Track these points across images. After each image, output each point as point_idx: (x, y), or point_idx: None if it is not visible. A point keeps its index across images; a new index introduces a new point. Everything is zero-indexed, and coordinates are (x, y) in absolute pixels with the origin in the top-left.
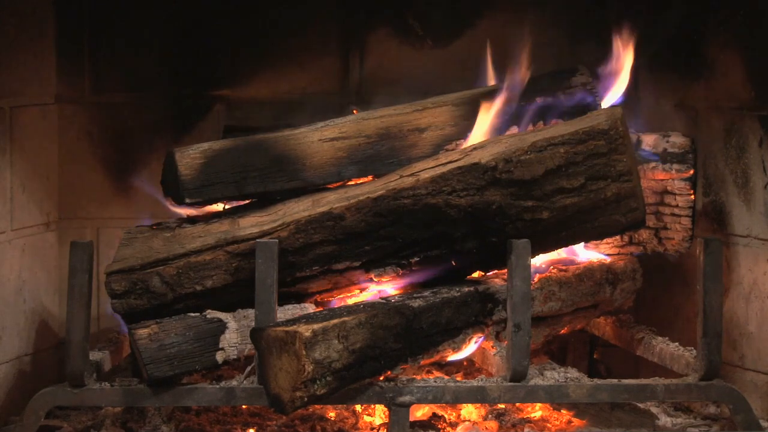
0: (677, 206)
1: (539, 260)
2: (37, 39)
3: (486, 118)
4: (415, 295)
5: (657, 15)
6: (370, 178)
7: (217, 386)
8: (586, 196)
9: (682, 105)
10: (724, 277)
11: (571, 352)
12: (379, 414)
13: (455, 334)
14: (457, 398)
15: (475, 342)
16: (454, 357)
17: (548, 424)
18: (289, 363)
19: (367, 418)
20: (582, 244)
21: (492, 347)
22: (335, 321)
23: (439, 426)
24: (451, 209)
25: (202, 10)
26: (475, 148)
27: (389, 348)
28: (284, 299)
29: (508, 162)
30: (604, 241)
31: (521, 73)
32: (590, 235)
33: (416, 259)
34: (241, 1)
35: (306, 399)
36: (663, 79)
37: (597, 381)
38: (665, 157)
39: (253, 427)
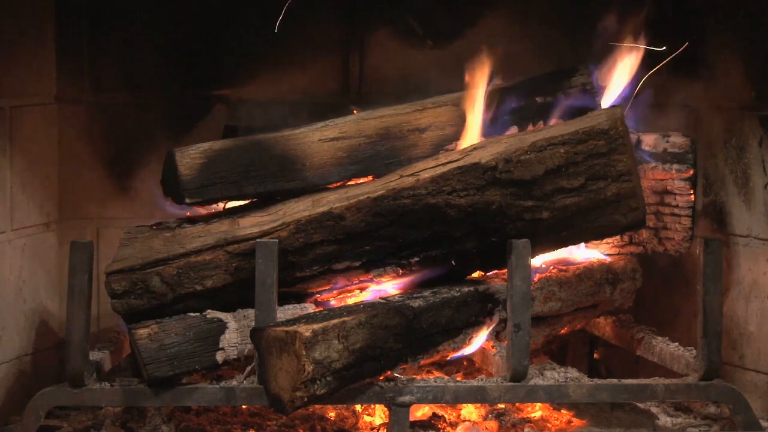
0: (677, 206)
1: (539, 260)
2: (37, 39)
3: (474, 118)
4: (415, 295)
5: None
6: (370, 178)
7: (217, 386)
8: (586, 196)
9: (682, 105)
10: (724, 277)
11: (571, 352)
12: (379, 414)
13: (455, 334)
14: (457, 398)
15: (477, 341)
16: (458, 354)
17: (548, 424)
18: (289, 363)
19: (367, 418)
20: (582, 244)
21: (492, 347)
22: (335, 321)
23: (439, 426)
24: (451, 209)
25: (202, 10)
26: (475, 147)
27: (389, 348)
28: (284, 299)
29: (508, 162)
30: (604, 241)
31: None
32: (590, 235)
33: (416, 259)
34: (242, 1)
35: (306, 399)
36: (663, 79)
37: (597, 381)
38: (665, 157)
39: (253, 427)
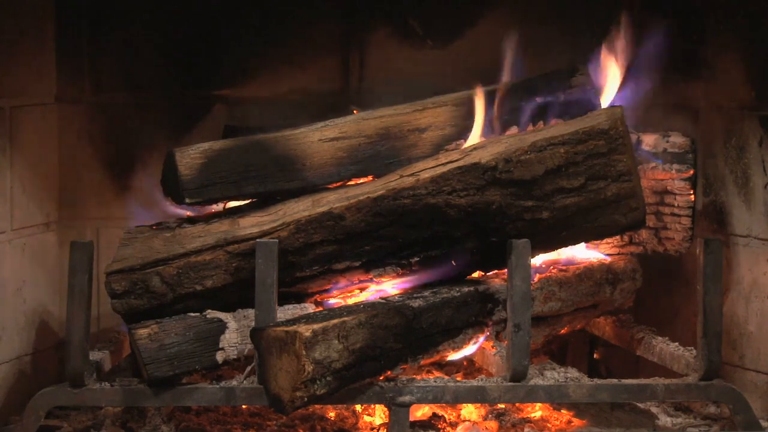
0: (677, 206)
1: (539, 260)
2: (37, 39)
3: (480, 118)
4: (415, 295)
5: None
6: (370, 178)
7: (217, 386)
8: (586, 196)
9: (682, 105)
10: (724, 277)
11: (571, 352)
12: (379, 414)
13: (455, 334)
14: (457, 398)
15: (475, 342)
16: (457, 355)
17: (548, 424)
18: (289, 363)
19: (367, 418)
20: (582, 244)
21: (492, 347)
22: (335, 321)
23: (439, 426)
24: (451, 209)
25: (202, 10)
26: (475, 148)
27: (389, 348)
28: (284, 299)
29: (508, 162)
30: (604, 241)
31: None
32: (590, 235)
33: (416, 259)
34: (242, 1)
35: (306, 399)
36: (663, 78)
37: (597, 381)
38: (665, 157)
39: (253, 427)
